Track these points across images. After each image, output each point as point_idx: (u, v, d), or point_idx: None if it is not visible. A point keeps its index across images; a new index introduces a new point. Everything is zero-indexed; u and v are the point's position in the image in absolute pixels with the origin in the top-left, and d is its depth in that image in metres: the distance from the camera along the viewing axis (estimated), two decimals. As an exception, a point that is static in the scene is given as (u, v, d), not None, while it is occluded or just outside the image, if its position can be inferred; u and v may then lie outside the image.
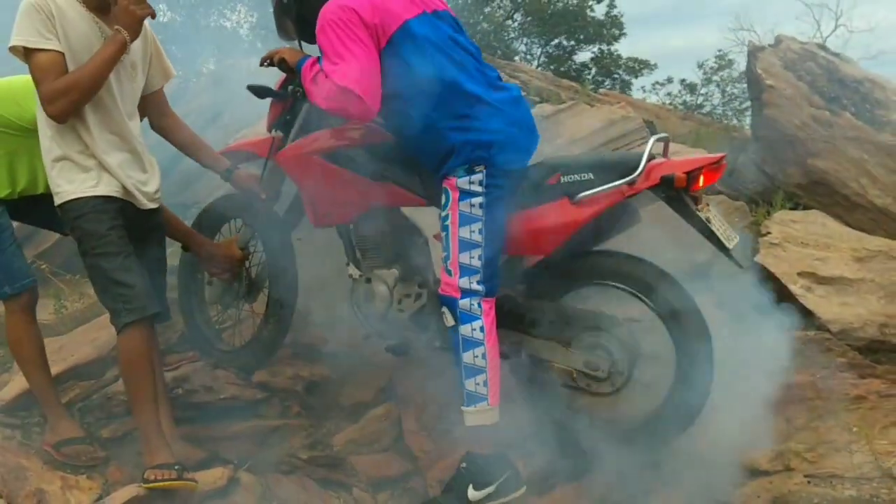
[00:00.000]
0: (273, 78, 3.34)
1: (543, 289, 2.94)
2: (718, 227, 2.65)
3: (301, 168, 3.18)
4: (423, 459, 3.13)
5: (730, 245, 2.64)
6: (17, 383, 3.56)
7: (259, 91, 3.30)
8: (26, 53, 2.79)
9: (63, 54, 2.80)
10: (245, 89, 3.35)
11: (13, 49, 2.79)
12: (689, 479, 2.76)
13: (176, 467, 2.82)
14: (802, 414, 2.91)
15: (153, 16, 2.89)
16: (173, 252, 4.23)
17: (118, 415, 3.45)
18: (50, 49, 2.78)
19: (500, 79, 2.92)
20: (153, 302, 2.98)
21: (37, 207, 3.41)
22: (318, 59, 2.82)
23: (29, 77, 3.28)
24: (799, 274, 3.49)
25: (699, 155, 3.06)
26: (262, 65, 3.15)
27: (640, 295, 2.77)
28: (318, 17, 2.77)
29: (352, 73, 2.66)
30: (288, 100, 3.30)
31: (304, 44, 3.11)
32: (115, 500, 2.80)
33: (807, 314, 3.26)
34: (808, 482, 2.73)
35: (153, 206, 3.10)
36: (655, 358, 2.80)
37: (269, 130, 3.43)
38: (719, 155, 2.71)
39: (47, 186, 3.36)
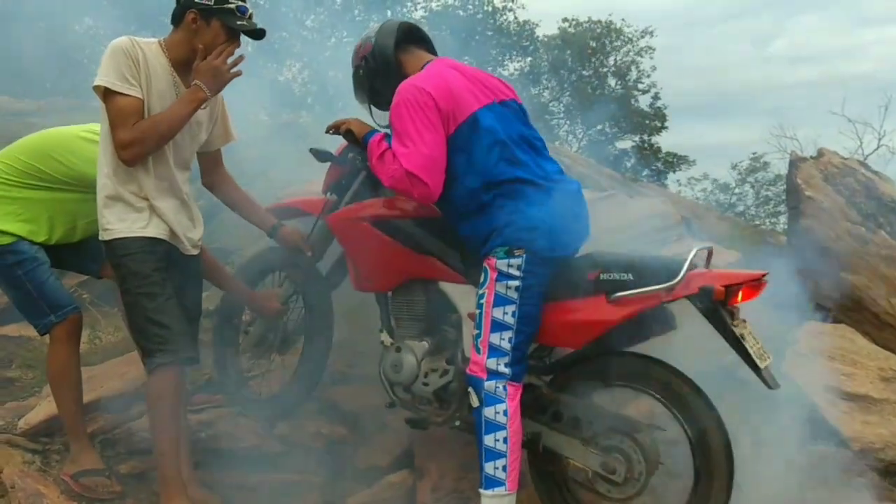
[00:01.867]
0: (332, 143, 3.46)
1: (570, 384, 2.95)
2: (752, 344, 2.63)
3: (350, 232, 3.27)
4: (434, 532, 3.13)
5: (762, 364, 2.61)
6: (45, 409, 3.62)
7: (320, 155, 3.42)
8: (106, 94, 2.87)
9: (143, 101, 2.90)
10: (295, 148, 3.46)
11: (96, 88, 2.88)
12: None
13: (190, 513, 2.85)
14: (817, 530, 2.89)
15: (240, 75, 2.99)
16: (210, 296, 4.32)
17: (139, 452, 3.48)
18: (132, 95, 2.87)
19: (561, 172, 3.00)
20: (187, 346, 3.03)
21: (66, 252, 3.50)
22: (386, 135, 2.93)
23: (63, 131, 3.47)
24: (824, 387, 3.49)
25: (741, 270, 3.06)
26: (327, 132, 3.26)
27: (667, 405, 2.77)
28: (390, 90, 2.90)
29: (419, 159, 2.77)
30: (346, 166, 3.42)
31: (374, 109, 3.24)
32: (128, 538, 2.84)
33: (828, 429, 3.25)
34: None
35: (195, 252, 3.19)
36: (675, 472, 2.79)
37: (324, 193, 3.53)
38: (761, 272, 2.71)
39: (83, 236, 3.49)
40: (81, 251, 3.56)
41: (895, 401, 3.47)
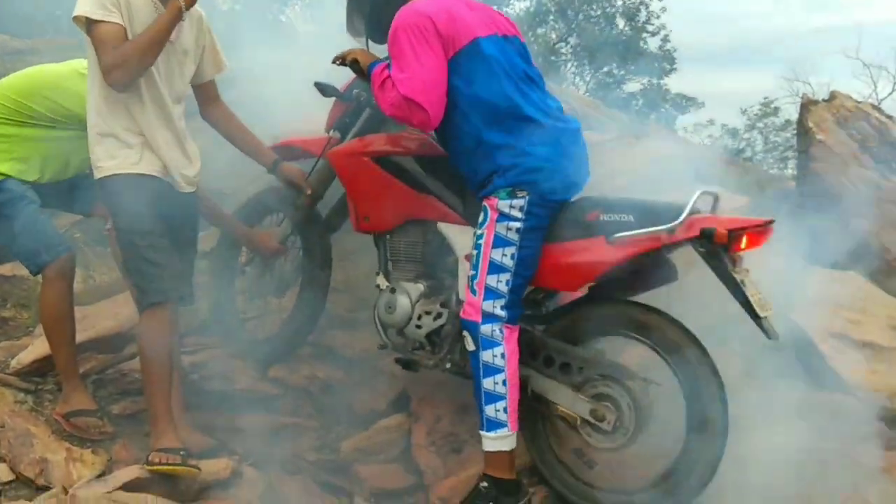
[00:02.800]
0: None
1: (565, 330, 2.89)
2: (753, 293, 2.54)
3: (350, 168, 3.19)
4: (429, 475, 3.09)
5: (762, 314, 2.53)
6: (37, 349, 3.58)
7: (325, 89, 3.34)
8: (88, 24, 2.82)
9: (124, 28, 2.84)
10: (295, 86, 3.38)
11: (76, 19, 2.83)
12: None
13: (181, 453, 2.82)
14: (821, 481, 2.83)
15: None
16: (207, 236, 4.25)
17: (131, 392, 3.46)
18: (113, 21, 2.81)
19: (561, 110, 2.91)
20: (180, 284, 3.02)
21: (57, 191, 3.47)
22: (389, 64, 2.83)
23: (54, 67, 3.43)
24: (831, 335, 3.41)
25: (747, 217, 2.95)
26: (333, 62, 3.15)
27: (662, 354, 2.71)
28: (390, 20, 2.79)
29: (418, 83, 2.68)
30: (351, 102, 3.35)
31: (371, 44, 3.14)
32: (117, 479, 2.80)
33: (835, 378, 3.18)
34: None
35: (190, 189, 3.14)
36: (667, 422, 2.73)
37: (328, 130, 3.47)
38: (767, 219, 2.61)
39: (75, 174, 3.47)
40: (73, 190, 3.53)
41: (904, 349, 3.39)
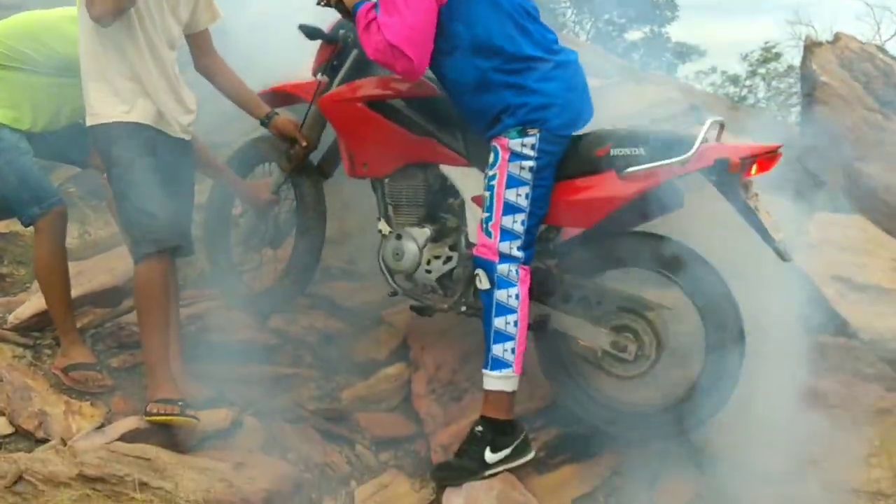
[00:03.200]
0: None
1: (579, 265, 2.87)
2: (766, 217, 2.57)
3: (343, 114, 3.13)
4: (430, 424, 3.09)
5: (776, 236, 2.56)
6: (34, 304, 3.54)
7: (310, 32, 3.26)
8: None
9: None
10: (287, 32, 3.31)
11: None
12: (697, 475, 2.70)
13: (179, 403, 2.81)
14: (823, 422, 2.83)
15: None
16: (200, 188, 4.20)
17: (129, 345, 3.43)
18: None
19: (557, 42, 2.85)
20: (176, 234, 2.98)
21: (50, 141, 3.41)
22: (376, 4, 2.75)
23: (47, 13, 3.34)
24: (833, 278, 3.38)
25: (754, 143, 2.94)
26: (319, 3, 3.08)
27: (678, 282, 2.71)
28: None
29: (404, 30, 2.61)
30: (337, 44, 3.27)
31: None
32: (116, 430, 2.80)
33: (838, 320, 3.16)
34: (823, 491, 2.65)
35: (186, 137, 3.09)
36: (685, 347, 2.75)
37: (315, 74, 3.38)
38: (776, 144, 2.61)
39: (68, 122, 3.41)
40: (66, 140, 3.46)
41: (908, 291, 3.37)
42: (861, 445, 2.78)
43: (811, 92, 4.56)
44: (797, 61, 6.27)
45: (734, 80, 19.77)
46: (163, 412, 2.78)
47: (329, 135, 3.39)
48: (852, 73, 4.64)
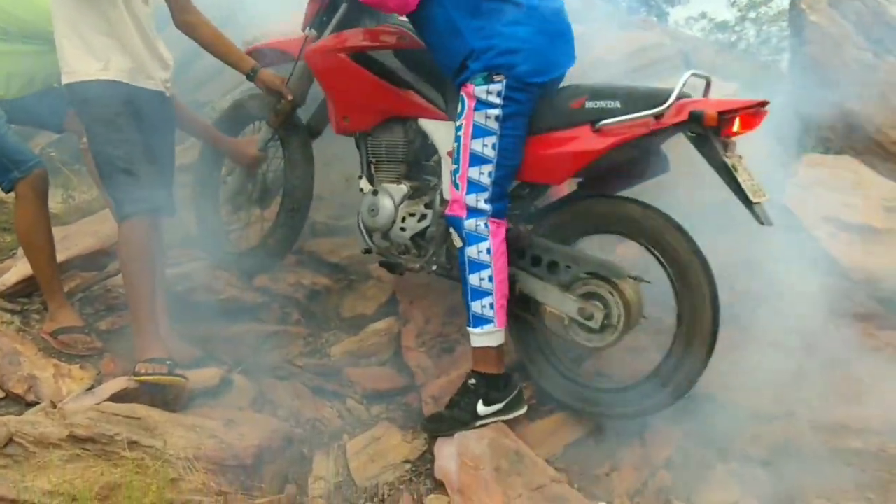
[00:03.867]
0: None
1: (553, 228, 2.81)
2: (745, 178, 2.42)
3: (327, 66, 3.09)
4: (420, 376, 3.08)
5: (755, 199, 2.40)
6: (20, 270, 3.53)
7: None
8: None
9: None
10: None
11: None
12: (688, 418, 2.69)
13: (167, 363, 2.79)
14: (814, 360, 2.82)
15: None
16: (188, 148, 4.16)
17: (117, 308, 3.42)
18: None
19: None
20: (158, 194, 2.94)
21: (25, 105, 3.38)
22: None
23: None
24: (824, 219, 3.35)
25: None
26: None
27: (651, 249, 2.63)
28: None
29: None
30: None
31: None
32: (105, 391, 2.78)
33: (829, 260, 3.14)
34: (813, 430, 2.65)
35: (164, 91, 3.06)
36: (657, 321, 2.69)
37: (304, 29, 3.35)
38: (760, 100, 2.46)
39: (42, 87, 3.38)
40: (40, 104, 3.42)
41: (898, 230, 3.34)
42: (851, 384, 2.77)
43: (800, 32, 4.48)
44: (787, 3, 6.17)
45: (722, 26, 19.51)
46: (151, 372, 2.76)
47: (319, 93, 3.34)
48: (842, 11, 4.56)
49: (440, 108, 2.96)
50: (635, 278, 2.66)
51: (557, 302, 2.71)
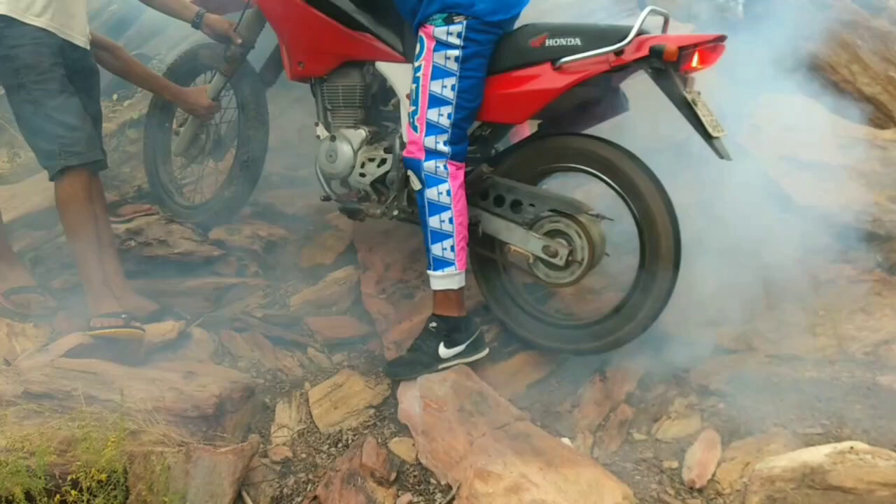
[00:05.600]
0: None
1: (515, 168, 2.79)
2: (705, 113, 2.44)
3: (279, 9, 3.02)
4: (381, 323, 3.06)
5: (715, 134, 2.42)
6: (-34, 230, 3.43)
7: None
8: None
9: None
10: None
11: None
12: (649, 352, 2.72)
13: (123, 316, 2.76)
14: (769, 295, 2.85)
15: None
16: (135, 103, 4.06)
17: (70, 265, 3.35)
18: None
19: None
20: (95, 147, 2.87)
21: None
22: None
23: None
24: (779, 157, 3.37)
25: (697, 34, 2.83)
26: None
27: (613, 185, 2.62)
28: None
29: None
30: None
31: None
32: (60, 346, 2.75)
33: (784, 198, 3.16)
34: (770, 362, 2.69)
35: (87, 45, 2.99)
36: (620, 255, 2.70)
37: None
38: (717, 34, 2.46)
39: None
40: None
41: (852, 167, 3.37)
42: (806, 315, 2.81)
43: (755, -29, 4.46)
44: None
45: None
46: (107, 325, 2.73)
47: (271, 40, 3.26)
48: (798, -54, 4.54)
49: (398, 51, 2.91)
50: (598, 215, 2.67)
51: (521, 241, 2.71)
